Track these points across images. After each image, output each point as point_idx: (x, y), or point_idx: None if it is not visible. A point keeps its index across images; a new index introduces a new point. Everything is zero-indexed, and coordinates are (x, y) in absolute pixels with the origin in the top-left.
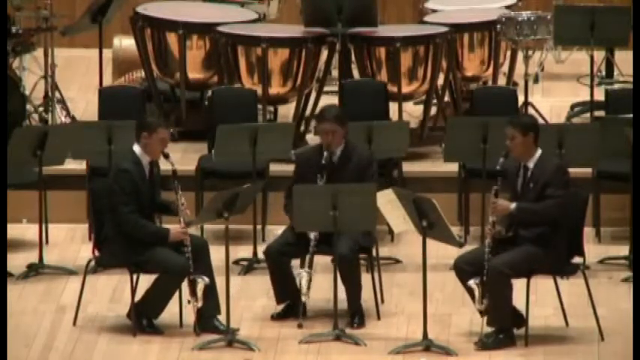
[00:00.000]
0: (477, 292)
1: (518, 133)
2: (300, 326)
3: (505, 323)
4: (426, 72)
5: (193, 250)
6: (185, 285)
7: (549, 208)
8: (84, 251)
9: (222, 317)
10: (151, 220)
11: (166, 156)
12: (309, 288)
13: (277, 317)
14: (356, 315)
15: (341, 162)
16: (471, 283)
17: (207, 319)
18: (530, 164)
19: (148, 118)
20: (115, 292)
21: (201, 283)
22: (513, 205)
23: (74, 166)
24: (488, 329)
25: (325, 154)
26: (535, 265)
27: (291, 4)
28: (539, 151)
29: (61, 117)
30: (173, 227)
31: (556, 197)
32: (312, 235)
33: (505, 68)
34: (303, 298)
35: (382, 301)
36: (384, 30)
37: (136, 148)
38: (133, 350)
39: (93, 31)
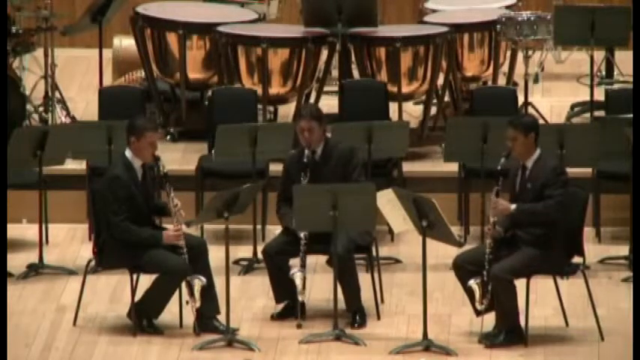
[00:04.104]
0: (477, 293)
1: (520, 134)
2: (299, 326)
3: (514, 323)
4: (426, 72)
5: (191, 250)
6: (184, 285)
7: (548, 208)
8: (84, 251)
9: (222, 317)
10: (149, 222)
11: (157, 159)
12: (304, 287)
13: (277, 317)
14: (357, 314)
15: (323, 160)
16: (472, 283)
17: (207, 320)
18: (529, 164)
19: (135, 122)
20: (115, 292)
21: (198, 284)
22: (513, 206)
23: (74, 166)
24: (488, 328)
25: (306, 152)
26: (535, 267)
27: (291, 4)
28: (538, 151)
29: (61, 117)
30: (168, 227)
31: (554, 197)
32: (302, 235)
33: (505, 68)
34: (300, 298)
35: (382, 301)
36: (384, 30)
37: (127, 152)
38: (133, 350)
39: (93, 31)
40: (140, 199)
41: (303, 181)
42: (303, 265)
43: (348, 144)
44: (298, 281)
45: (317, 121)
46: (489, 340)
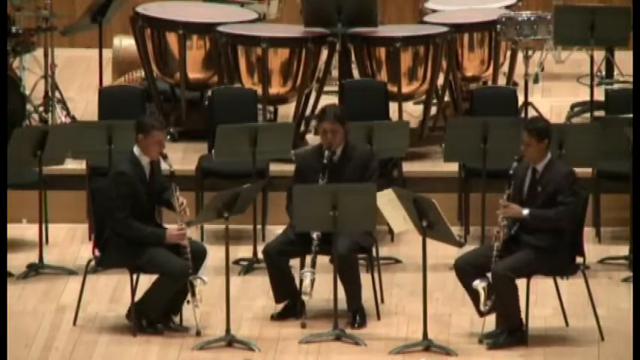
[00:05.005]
0: (482, 295)
1: (534, 140)
2: (303, 326)
3: (515, 322)
4: (426, 72)
5: (191, 253)
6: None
7: (560, 215)
8: (84, 251)
9: (222, 317)
10: (151, 220)
11: (164, 157)
12: (312, 288)
13: (277, 317)
14: (357, 314)
15: (342, 161)
16: (477, 284)
17: (163, 315)
18: (540, 168)
19: (144, 120)
20: (115, 292)
21: (200, 284)
22: (526, 211)
23: (74, 166)
24: (489, 328)
25: (327, 153)
26: (537, 267)
27: (291, 4)
28: (548, 155)
29: (61, 117)
30: (170, 227)
31: (567, 204)
32: (315, 235)
33: (505, 68)
34: (306, 298)
35: (382, 301)
36: (384, 30)
37: (136, 149)
38: (133, 350)
39: (93, 31)
40: (144, 197)
41: (322, 181)
42: (313, 265)
43: (368, 148)
44: (307, 281)
45: (341, 123)
46: (492, 341)
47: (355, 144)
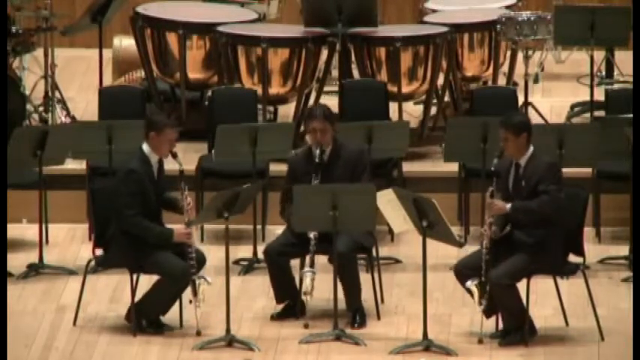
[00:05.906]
0: (475, 294)
1: (512, 135)
2: (306, 326)
3: (521, 323)
4: (426, 72)
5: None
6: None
7: (543, 204)
8: (84, 251)
9: (222, 317)
10: (158, 219)
11: (174, 155)
12: (312, 288)
13: (277, 317)
14: (357, 314)
15: (331, 160)
16: (469, 284)
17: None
18: (522, 162)
19: (156, 117)
20: (115, 292)
21: (204, 283)
22: (509, 205)
23: (74, 166)
24: (488, 328)
25: (317, 152)
26: (532, 269)
27: (291, 4)
28: (531, 149)
29: (61, 117)
30: (177, 227)
31: (549, 193)
32: (312, 235)
33: (505, 68)
34: (308, 298)
35: (382, 301)
36: (384, 30)
37: (145, 146)
38: (133, 350)
39: (93, 31)
40: (152, 196)
41: (315, 181)
42: (312, 265)
43: (358, 145)
44: (308, 280)
45: (330, 121)
46: (503, 339)
47: (344, 143)
